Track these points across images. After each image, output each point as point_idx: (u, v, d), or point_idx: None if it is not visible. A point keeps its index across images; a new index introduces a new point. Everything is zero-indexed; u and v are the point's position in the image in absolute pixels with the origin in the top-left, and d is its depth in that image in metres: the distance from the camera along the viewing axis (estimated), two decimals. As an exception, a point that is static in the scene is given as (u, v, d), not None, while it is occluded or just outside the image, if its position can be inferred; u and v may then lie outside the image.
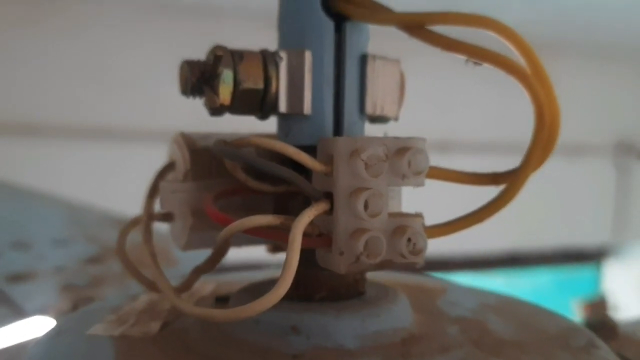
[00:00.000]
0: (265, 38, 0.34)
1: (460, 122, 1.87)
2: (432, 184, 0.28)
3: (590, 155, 2.10)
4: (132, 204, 0.39)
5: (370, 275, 0.29)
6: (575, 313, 1.98)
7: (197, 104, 0.28)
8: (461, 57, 0.23)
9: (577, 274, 2.26)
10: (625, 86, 2.14)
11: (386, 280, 0.30)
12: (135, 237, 0.29)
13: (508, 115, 1.48)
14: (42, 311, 0.39)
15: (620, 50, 2.01)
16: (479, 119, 1.90)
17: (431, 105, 1.80)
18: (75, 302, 0.39)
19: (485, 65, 0.23)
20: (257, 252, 0.31)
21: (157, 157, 0.33)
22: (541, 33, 1.80)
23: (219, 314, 0.22)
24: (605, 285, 2.30)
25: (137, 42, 1.43)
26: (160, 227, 0.32)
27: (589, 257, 2.24)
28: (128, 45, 1.43)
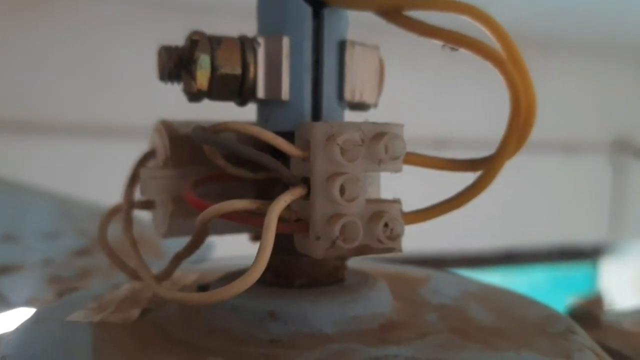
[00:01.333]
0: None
1: (457, 118, 1.87)
2: (416, 173, 0.28)
3: (586, 153, 2.10)
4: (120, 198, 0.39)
5: (354, 264, 0.29)
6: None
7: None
8: (438, 43, 0.23)
9: (573, 271, 2.27)
10: (621, 84, 2.14)
11: (369, 269, 0.30)
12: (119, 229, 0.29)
13: (505, 111, 1.48)
14: (27, 303, 0.39)
15: (616, 48, 2.02)
16: (476, 115, 1.90)
17: (428, 101, 1.80)
18: (60, 294, 0.39)
19: (462, 50, 0.23)
20: (250, 250, 0.31)
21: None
22: (537, 30, 1.80)
23: (193, 297, 0.22)
24: (602, 283, 2.30)
25: (132, 39, 1.43)
26: (150, 220, 0.32)
27: (586, 255, 2.24)
28: (123, 42, 1.43)
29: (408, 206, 0.25)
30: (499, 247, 2.04)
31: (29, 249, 0.46)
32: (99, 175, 1.36)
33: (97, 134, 1.40)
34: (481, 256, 2.02)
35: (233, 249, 0.41)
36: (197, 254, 0.30)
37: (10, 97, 1.35)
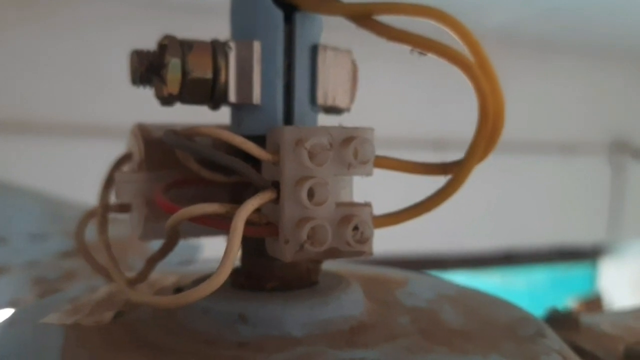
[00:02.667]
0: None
1: (457, 120, 1.86)
2: (396, 178, 0.28)
3: (585, 154, 2.10)
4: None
5: (333, 267, 0.30)
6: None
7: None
8: (407, 47, 0.23)
9: (572, 272, 2.26)
10: (620, 84, 2.14)
11: (347, 271, 0.30)
12: (114, 231, 0.29)
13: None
14: (11, 304, 0.39)
15: (614, 49, 2.01)
16: (473, 116, 1.90)
17: (428, 103, 1.80)
18: (42, 296, 0.39)
19: (430, 55, 0.23)
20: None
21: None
22: (536, 31, 1.80)
23: (161, 300, 0.22)
24: (601, 284, 2.30)
25: (126, 39, 1.43)
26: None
27: (584, 255, 2.24)
28: (117, 42, 1.43)
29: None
30: (498, 248, 2.04)
31: (15, 251, 0.46)
32: (90, 176, 1.36)
33: (88, 134, 1.40)
34: (480, 257, 2.02)
35: (221, 251, 0.41)
36: (185, 255, 0.30)
37: (4, 97, 1.36)
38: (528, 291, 2.19)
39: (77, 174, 1.36)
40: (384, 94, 1.70)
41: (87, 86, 1.41)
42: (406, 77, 1.72)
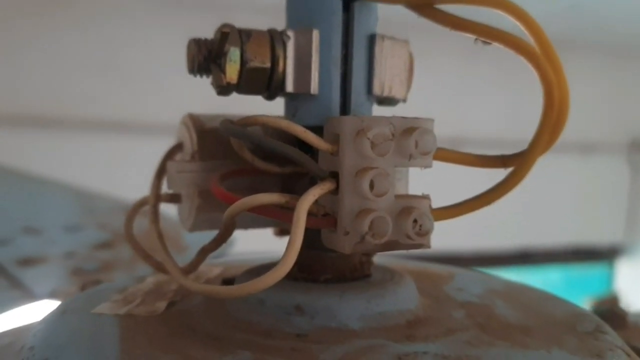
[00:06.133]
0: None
1: (473, 117, 1.86)
2: (444, 169, 0.28)
3: (603, 154, 2.08)
4: (142, 194, 0.39)
5: (377, 261, 0.29)
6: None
7: (207, 97, 0.27)
8: (470, 37, 0.23)
9: (589, 272, 2.25)
10: (639, 84, 2.12)
11: (393, 265, 0.30)
12: (145, 224, 0.29)
13: (520, 111, 1.47)
14: (51, 295, 0.39)
15: (634, 47, 1.99)
16: (491, 114, 1.89)
17: (444, 100, 1.79)
18: (83, 286, 0.39)
19: (495, 44, 0.22)
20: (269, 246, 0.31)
21: (166, 148, 0.33)
22: (556, 29, 1.78)
23: (223, 290, 0.22)
24: (617, 284, 2.28)
25: (148, 35, 1.44)
26: (171, 214, 0.32)
27: (601, 255, 2.22)
28: (139, 38, 1.44)
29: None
30: (515, 247, 2.03)
31: (51, 241, 0.46)
32: (119, 170, 1.37)
33: (117, 129, 1.41)
34: (496, 255, 2.01)
35: (252, 245, 0.41)
36: (219, 248, 0.30)
37: (33, 93, 1.37)
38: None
39: (105, 167, 1.37)
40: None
41: (106, 81, 1.41)
42: (424, 74, 1.71)
